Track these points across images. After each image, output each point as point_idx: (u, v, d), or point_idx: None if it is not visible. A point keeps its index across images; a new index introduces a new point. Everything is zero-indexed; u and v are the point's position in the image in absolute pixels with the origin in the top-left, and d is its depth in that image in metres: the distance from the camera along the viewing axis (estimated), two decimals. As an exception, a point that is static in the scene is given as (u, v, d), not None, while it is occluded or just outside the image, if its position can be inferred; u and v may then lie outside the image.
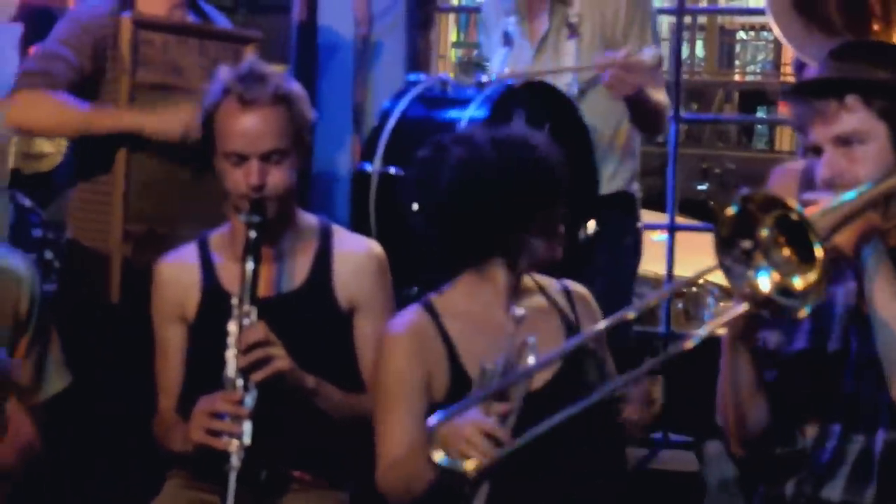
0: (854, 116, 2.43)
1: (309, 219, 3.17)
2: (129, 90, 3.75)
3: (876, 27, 2.95)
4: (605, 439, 2.67)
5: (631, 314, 2.57)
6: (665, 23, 8.99)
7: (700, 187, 12.12)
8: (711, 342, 2.41)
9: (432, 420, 2.42)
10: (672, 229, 5.33)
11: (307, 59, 5.07)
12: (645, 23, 4.07)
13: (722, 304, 5.96)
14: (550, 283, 2.92)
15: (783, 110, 13.17)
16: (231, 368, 2.88)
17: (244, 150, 2.97)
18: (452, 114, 3.65)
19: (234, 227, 3.08)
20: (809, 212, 2.25)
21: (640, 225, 4.31)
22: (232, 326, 2.90)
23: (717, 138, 13.16)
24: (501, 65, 4.10)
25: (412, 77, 3.93)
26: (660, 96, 4.03)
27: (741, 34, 21.11)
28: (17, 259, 3.05)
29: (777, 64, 18.99)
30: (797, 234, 2.23)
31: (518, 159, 2.74)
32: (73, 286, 3.89)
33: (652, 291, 5.48)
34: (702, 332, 2.37)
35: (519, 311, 2.62)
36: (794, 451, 2.57)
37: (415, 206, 3.31)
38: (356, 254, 3.13)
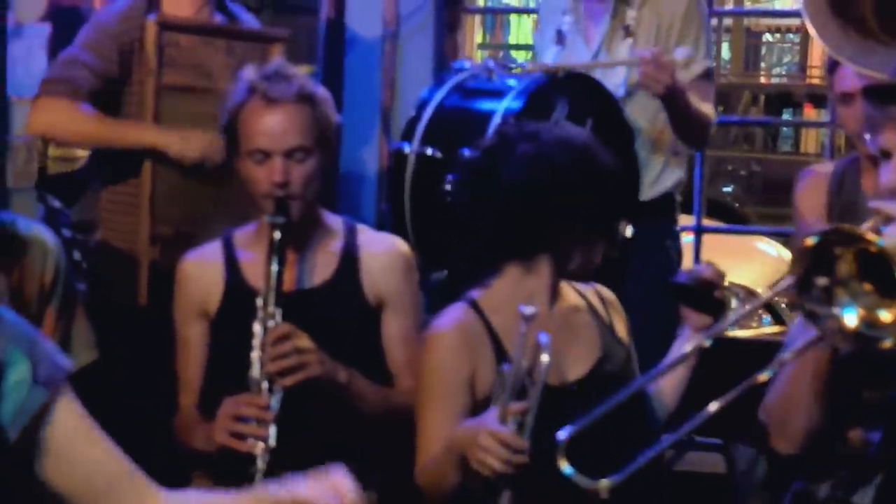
0: None
1: (333, 219, 3.17)
2: (155, 92, 3.76)
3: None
4: (640, 439, 2.66)
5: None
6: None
7: (725, 189, 12.11)
8: (737, 345, 2.39)
9: (561, 435, 2.32)
10: (699, 231, 5.31)
11: (334, 59, 5.07)
12: (700, 34, 4.11)
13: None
14: (581, 285, 2.92)
15: (809, 112, 13.15)
16: (256, 370, 2.87)
17: (268, 146, 2.97)
18: (487, 105, 3.66)
19: (260, 225, 3.08)
20: (888, 242, 2.18)
21: (678, 228, 4.31)
22: (257, 327, 2.89)
23: (742, 140, 13.14)
24: (552, 63, 4.09)
25: (458, 64, 3.94)
26: (705, 108, 4.03)
27: (767, 36, 21.09)
28: (43, 231, 3.09)
29: (803, 66, 18.97)
30: (875, 266, 2.17)
31: (583, 162, 2.75)
32: (102, 287, 3.90)
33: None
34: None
35: (529, 309, 2.61)
36: (836, 454, 2.55)
37: (448, 188, 3.31)
38: (383, 251, 3.13)
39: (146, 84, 3.76)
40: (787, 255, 6.58)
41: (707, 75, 4.11)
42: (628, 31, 4.04)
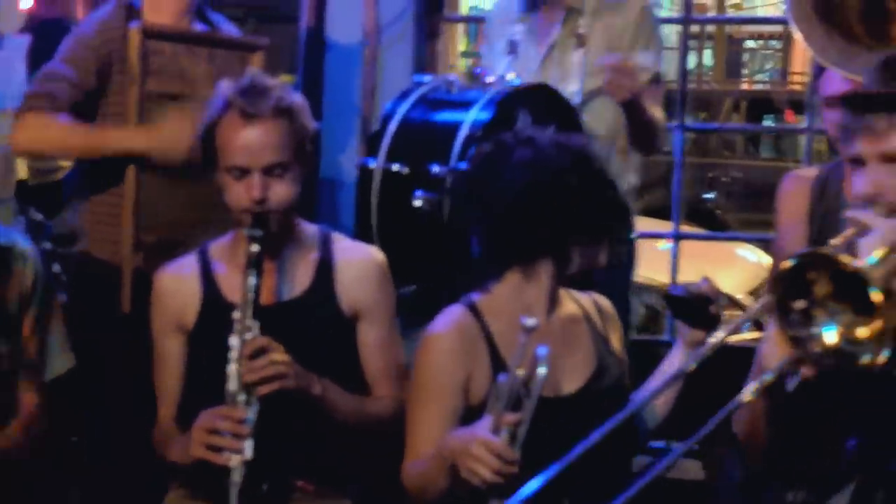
0: None
1: (309, 228, 3.17)
2: (139, 100, 3.76)
3: (896, 33, 2.94)
4: (619, 450, 2.67)
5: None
6: (674, 32, 8.98)
7: (706, 196, 12.14)
8: (717, 350, 2.40)
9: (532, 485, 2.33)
10: (677, 238, 5.33)
11: (315, 68, 5.07)
12: (651, 40, 4.13)
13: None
14: (579, 293, 2.94)
15: (791, 119, 13.19)
16: (233, 383, 2.87)
17: (246, 163, 2.97)
18: (455, 116, 3.64)
19: (236, 237, 3.09)
20: (862, 263, 2.19)
21: (633, 235, 4.31)
22: (234, 341, 2.89)
23: (723, 147, 13.17)
24: (505, 73, 4.11)
25: (418, 78, 3.94)
26: (656, 112, 4.05)
27: (749, 43, 21.13)
28: (21, 239, 3.14)
29: (784, 72, 19.01)
30: (850, 284, 2.16)
31: (582, 163, 2.78)
32: (85, 297, 3.90)
33: (659, 300, 5.46)
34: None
35: (530, 321, 2.61)
36: (811, 461, 2.57)
37: (416, 203, 3.31)
38: (358, 261, 3.13)
39: (129, 92, 3.76)
40: (767, 260, 6.59)
41: (656, 80, 4.13)
42: (580, 39, 4.05)
